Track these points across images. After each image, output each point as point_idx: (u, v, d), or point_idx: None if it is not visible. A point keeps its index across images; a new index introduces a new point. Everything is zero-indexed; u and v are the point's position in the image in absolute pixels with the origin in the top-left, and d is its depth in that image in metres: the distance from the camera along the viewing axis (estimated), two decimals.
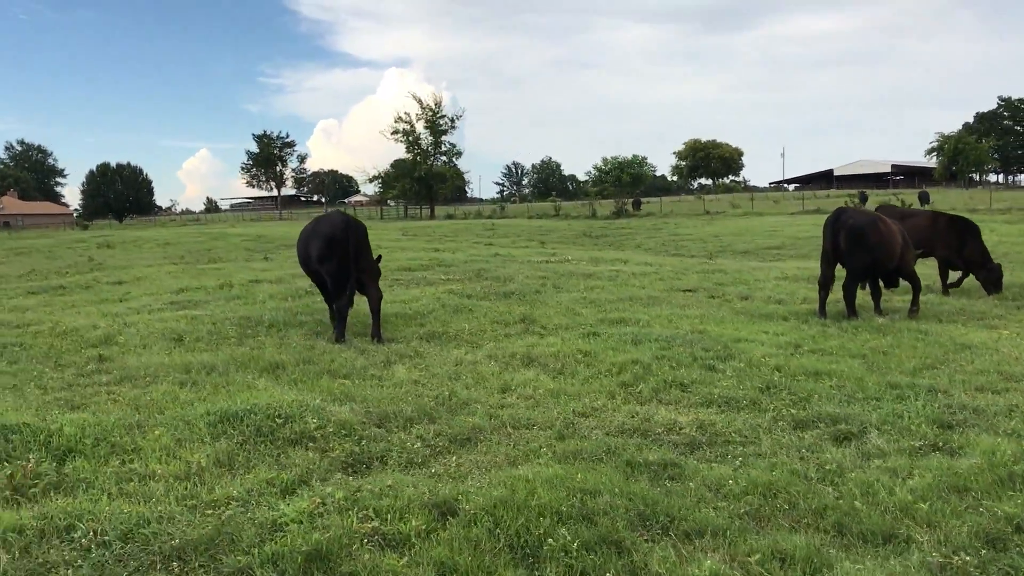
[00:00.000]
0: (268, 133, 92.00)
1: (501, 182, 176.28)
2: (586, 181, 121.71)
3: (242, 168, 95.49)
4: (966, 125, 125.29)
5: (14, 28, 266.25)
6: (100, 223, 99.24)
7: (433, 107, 69.05)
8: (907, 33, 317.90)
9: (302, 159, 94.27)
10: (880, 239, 10.61)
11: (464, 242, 32.45)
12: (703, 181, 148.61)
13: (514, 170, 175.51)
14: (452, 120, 69.73)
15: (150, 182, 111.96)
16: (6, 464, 5.05)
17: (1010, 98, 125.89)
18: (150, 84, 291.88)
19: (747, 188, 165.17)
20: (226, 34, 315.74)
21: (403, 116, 70.37)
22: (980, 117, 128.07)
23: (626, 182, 65.04)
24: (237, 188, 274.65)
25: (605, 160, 64.37)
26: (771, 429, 5.86)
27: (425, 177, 69.49)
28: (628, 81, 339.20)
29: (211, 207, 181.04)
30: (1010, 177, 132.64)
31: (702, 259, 21.31)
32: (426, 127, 70.09)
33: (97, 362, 8.57)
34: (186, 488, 4.73)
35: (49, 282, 19.33)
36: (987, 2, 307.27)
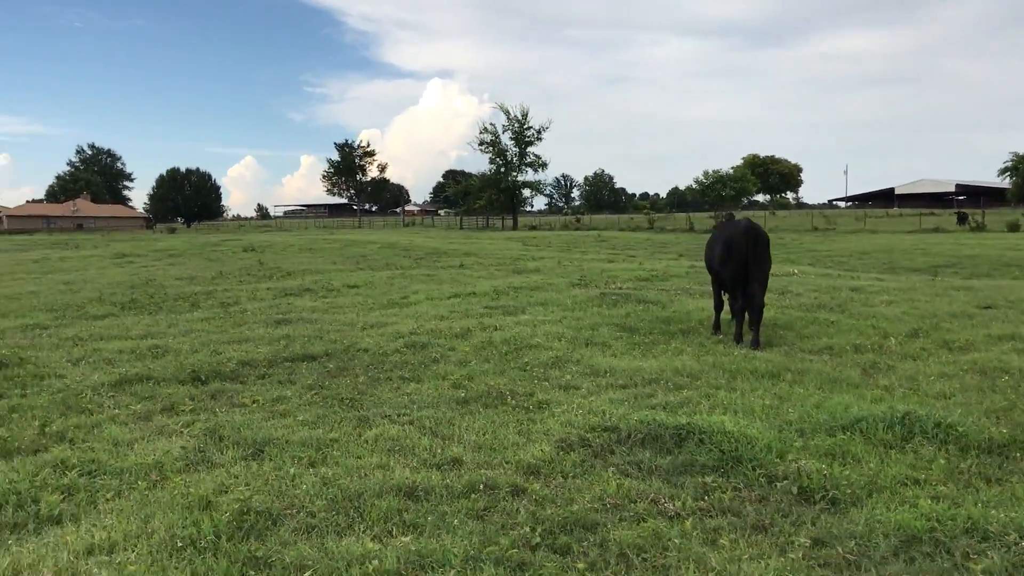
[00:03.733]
0: (349, 142, 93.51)
1: (551, 194, 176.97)
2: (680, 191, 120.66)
3: (323, 176, 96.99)
4: None
5: (71, 35, 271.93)
6: (161, 227, 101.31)
7: (520, 118, 69.76)
8: (953, 53, 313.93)
9: (382, 168, 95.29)
10: None
11: (605, 254, 32.78)
12: (756, 198, 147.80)
13: (563, 182, 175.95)
14: (538, 131, 70.39)
15: (218, 187, 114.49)
16: None
17: None
18: (197, 91, 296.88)
19: (800, 205, 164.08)
20: (272, 44, 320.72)
21: (488, 127, 71.27)
22: None
23: (728, 196, 65.05)
24: (282, 195, 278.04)
25: (706, 174, 64.51)
26: None
27: (510, 188, 70.11)
28: (669, 96, 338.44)
29: (263, 213, 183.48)
30: None
31: (924, 277, 20.93)
32: (512, 138, 70.79)
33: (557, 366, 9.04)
34: None
35: (282, 284, 19.95)
36: None
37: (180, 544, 4.35)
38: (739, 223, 10.77)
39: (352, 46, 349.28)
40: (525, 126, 69.76)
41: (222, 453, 6.02)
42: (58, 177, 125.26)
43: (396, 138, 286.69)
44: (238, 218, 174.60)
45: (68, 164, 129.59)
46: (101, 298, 17.44)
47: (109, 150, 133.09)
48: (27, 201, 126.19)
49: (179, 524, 4.60)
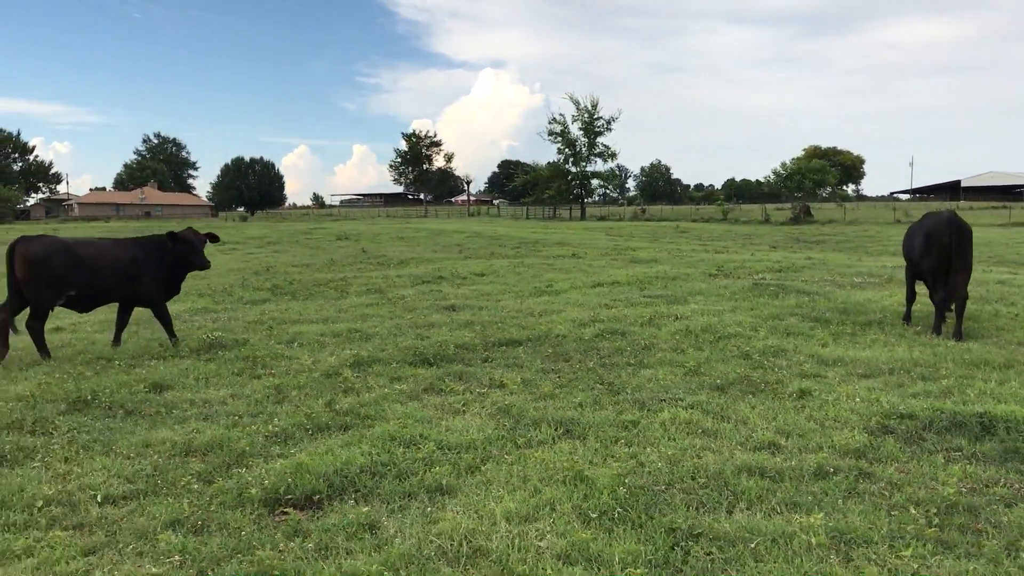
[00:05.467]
0: (416, 132, 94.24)
1: (604, 184, 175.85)
2: (758, 183, 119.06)
3: (390, 165, 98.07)
4: None
5: (130, 26, 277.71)
6: (229, 215, 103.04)
7: (590, 108, 69.63)
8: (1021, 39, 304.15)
9: (448, 158, 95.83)
10: None
11: (701, 245, 32.62)
12: (798, 191, 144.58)
13: (619, 172, 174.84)
14: (608, 122, 70.18)
15: (281, 176, 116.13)
16: None
17: None
18: (253, 82, 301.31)
19: (860, 197, 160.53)
20: (325, 34, 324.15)
21: (557, 118, 71.32)
22: None
23: (808, 188, 64.15)
24: (335, 184, 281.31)
25: (784, 165, 63.80)
26: None
27: (580, 178, 70.12)
28: (724, 85, 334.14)
29: (320, 202, 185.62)
30: None
31: None
32: (581, 129, 70.71)
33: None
34: None
35: (406, 271, 20.31)
36: None
37: (592, 515, 4.56)
38: (941, 215, 10.71)
39: (404, 36, 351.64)
40: (595, 116, 69.67)
41: (536, 431, 6.24)
42: (126, 165, 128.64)
43: (447, 128, 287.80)
44: (294, 207, 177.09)
45: (135, 152, 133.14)
46: (244, 284, 17.95)
47: (175, 139, 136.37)
48: (90, 189, 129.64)
49: (572, 496, 4.82)
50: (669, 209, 79.04)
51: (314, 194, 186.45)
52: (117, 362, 9.26)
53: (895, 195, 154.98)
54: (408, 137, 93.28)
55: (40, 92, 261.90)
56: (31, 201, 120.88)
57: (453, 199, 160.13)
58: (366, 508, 4.74)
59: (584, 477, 5.09)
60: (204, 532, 4.57)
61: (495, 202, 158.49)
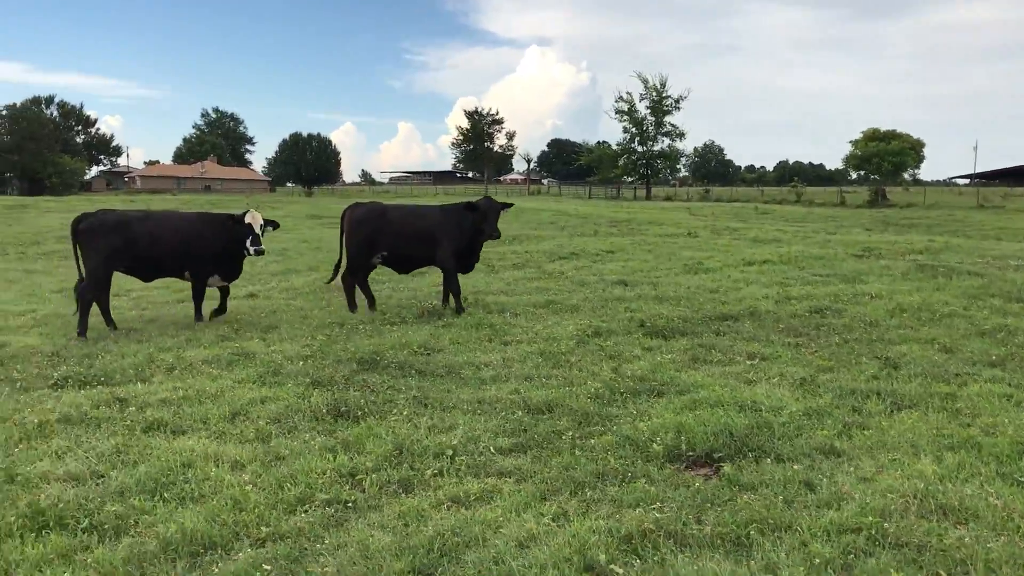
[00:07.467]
0: (479, 110, 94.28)
1: (669, 163, 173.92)
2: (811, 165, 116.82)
3: (452, 143, 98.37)
4: None
5: (176, 2, 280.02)
6: (292, 190, 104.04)
7: (658, 87, 69.03)
8: None
9: (510, 136, 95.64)
10: None
11: (796, 227, 32.28)
12: (863, 173, 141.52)
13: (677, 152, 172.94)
14: (676, 100, 69.54)
15: (338, 153, 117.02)
16: None
17: None
18: (300, 58, 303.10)
19: (916, 182, 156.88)
20: (372, 10, 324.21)
21: (624, 96, 70.83)
22: None
23: (887, 170, 63.13)
24: (380, 161, 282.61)
25: (856, 145, 62.74)
26: None
27: (647, 157, 69.76)
28: (775, 67, 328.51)
29: (369, 179, 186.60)
30: None
31: None
32: (648, 107, 70.17)
33: None
34: None
35: (523, 248, 20.47)
36: None
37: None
38: None
39: (452, 13, 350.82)
40: (663, 95, 69.04)
41: (866, 402, 6.34)
42: (185, 139, 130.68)
43: (493, 106, 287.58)
44: (343, 183, 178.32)
45: (194, 127, 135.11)
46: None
47: (232, 114, 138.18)
48: (144, 163, 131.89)
49: (985, 461, 4.92)
50: (732, 191, 78.08)
51: (362, 171, 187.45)
52: (362, 327, 9.57)
53: (953, 180, 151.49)
54: (470, 115, 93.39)
55: (86, 65, 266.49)
56: (91, 173, 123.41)
57: (501, 178, 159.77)
58: (795, 466, 4.88)
59: (977, 443, 5.18)
60: (629, 483, 4.75)
61: (544, 181, 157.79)
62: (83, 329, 9.26)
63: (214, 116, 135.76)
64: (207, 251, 9.99)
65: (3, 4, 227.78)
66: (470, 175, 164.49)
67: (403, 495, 4.68)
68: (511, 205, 11.27)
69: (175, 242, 9.89)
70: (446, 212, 10.96)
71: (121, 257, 9.64)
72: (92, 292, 9.49)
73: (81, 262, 9.72)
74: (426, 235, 10.72)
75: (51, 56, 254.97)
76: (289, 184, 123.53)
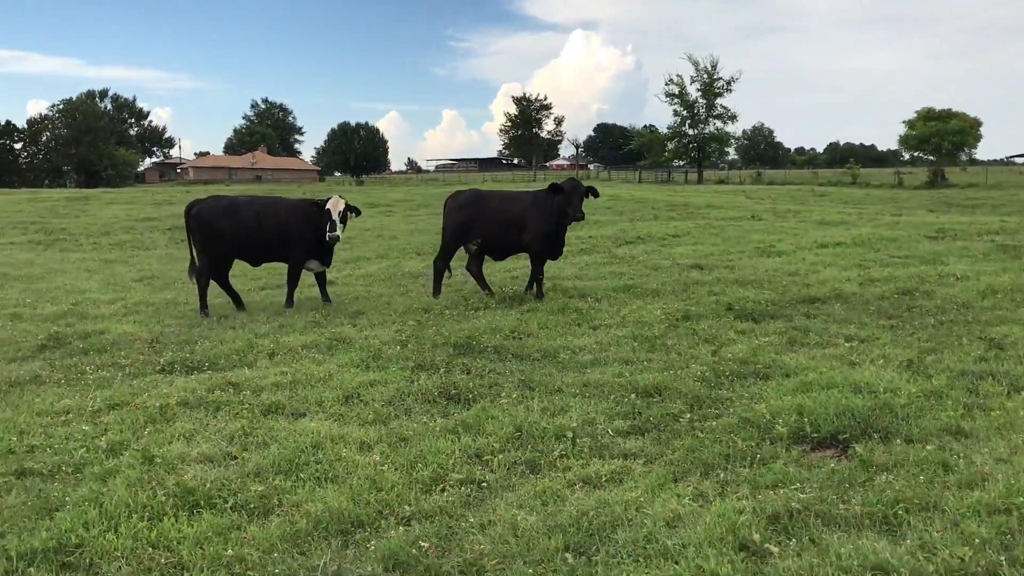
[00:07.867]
0: (527, 96, 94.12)
1: (721, 146, 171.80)
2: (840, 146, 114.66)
3: (500, 129, 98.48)
4: None
5: None
6: (342, 179, 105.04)
7: (709, 69, 68.08)
8: None
9: (559, 121, 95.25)
10: None
11: (857, 208, 31.67)
12: (918, 154, 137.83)
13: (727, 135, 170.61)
14: (728, 82, 68.51)
15: (385, 142, 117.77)
16: None
17: None
18: (345, 47, 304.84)
19: (972, 162, 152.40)
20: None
21: (674, 79, 70.02)
22: None
23: (947, 150, 61.63)
24: (424, 149, 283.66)
25: (912, 125, 61.34)
26: None
27: (699, 140, 68.98)
28: (822, 46, 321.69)
29: (414, 167, 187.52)
30: None
31: None
32: (699, 90, 69.26)
33: None
34: None
35: (589, 233, 20.42)
36: None
37: None
38: None
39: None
40: (715, 77, 68.08)
41: (980, 382, 6.23)
42: (236, 130, 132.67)
43: (537, 91, 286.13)
44: (389, 172, 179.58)
45: (243, 118, 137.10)
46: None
47: (281, 104, 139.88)
48: (195, 154, 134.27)
49: None
50: (785, 173, 76.79)
51: (408, 159, 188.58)
52: (448, 312, 9.68)
53: (1011, 159, 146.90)
54: (518, 100, 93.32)
55: (138, 59, 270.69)
56: (145, 165, 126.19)
57: (548, 164, 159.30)
58: (927, 447, 4.82)
59: None
60: (757, 466, 4.74)
61: (590, 167, 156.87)
62: (204, 306, 10.22)
63: (263, 107, 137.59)
64: (307, 236, 10.26)
65: (58, 1, 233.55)
66: (516, 162, 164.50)
67: (532, 476, 4.74)
68: (595, 190, 11.15)
69: (280, 227, 10.25)
70: (536, 197, 10.96)
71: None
72: (205, 275, 10.17)
73: (193, 247, 10.25)
74: (517, 220, 10.73)
75: (104, 51, 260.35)
76: (337, 173, 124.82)
